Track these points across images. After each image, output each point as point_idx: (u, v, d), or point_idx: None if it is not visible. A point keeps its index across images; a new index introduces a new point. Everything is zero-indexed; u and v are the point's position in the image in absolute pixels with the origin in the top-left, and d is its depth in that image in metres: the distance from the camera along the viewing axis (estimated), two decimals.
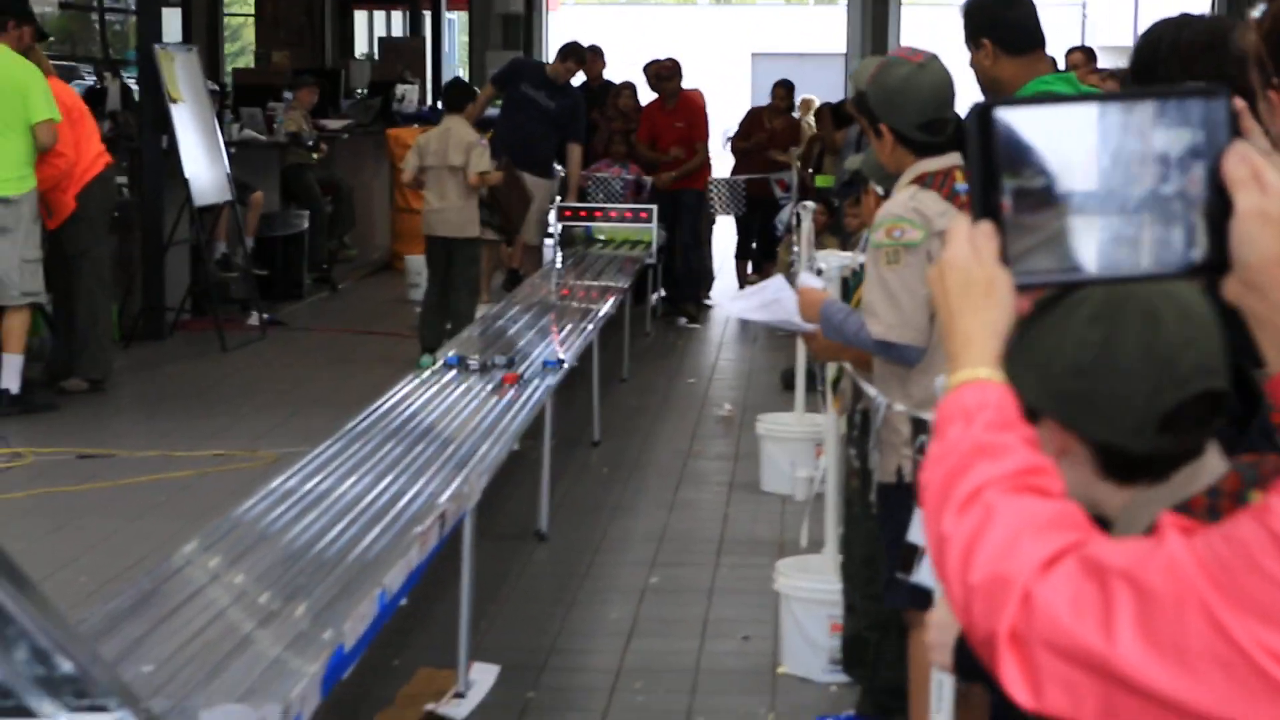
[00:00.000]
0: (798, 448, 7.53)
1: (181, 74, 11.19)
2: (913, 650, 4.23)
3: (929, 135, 4.09)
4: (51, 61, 9.24)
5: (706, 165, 12.93)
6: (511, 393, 6.37)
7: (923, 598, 4.03)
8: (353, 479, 4.90)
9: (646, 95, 13.25)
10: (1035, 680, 1.33)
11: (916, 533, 3.90)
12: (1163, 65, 3.61)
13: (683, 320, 12.68)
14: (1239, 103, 1.54)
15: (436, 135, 10.39)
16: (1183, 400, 1.82)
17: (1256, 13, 2.03)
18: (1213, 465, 1.86)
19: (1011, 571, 1.35)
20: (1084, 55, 12.81)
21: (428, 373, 6.74)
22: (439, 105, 19.91)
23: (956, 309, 1.53)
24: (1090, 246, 1.47)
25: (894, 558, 4.23)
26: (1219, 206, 1.47)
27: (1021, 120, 1.47)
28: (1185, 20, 3.71)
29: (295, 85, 14.47)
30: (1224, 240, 1.48)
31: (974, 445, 1.45)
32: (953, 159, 4.09)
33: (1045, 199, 1.47)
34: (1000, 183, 1.47)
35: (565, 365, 7.09)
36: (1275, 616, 1.23)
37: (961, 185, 4.01)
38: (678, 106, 12.71)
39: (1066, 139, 1.47)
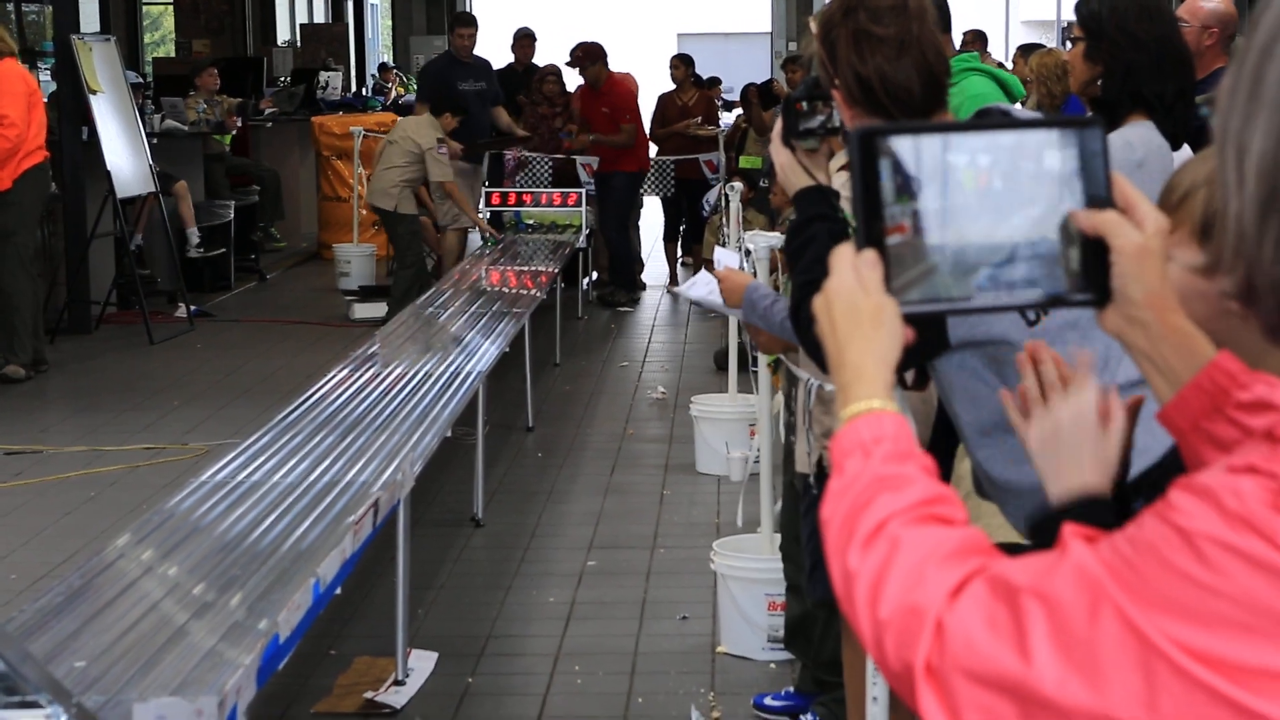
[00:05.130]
0: (732, 428, 7.55)
1: (100, 64, 11.09)
2: (849, 630, 4.26)
3: None
4: None
5: (640, 149, 12.85)
6: (444, 380, 6.37)
7: None
8: (285, 469, 4.88)
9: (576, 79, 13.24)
10: (954, 710, 1.29)
11: None
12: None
13: (621, 305, 12.69)
14: None
15: (411, 119, 11.35)
16: None
17: None
18: None
19: (921, 602, 1.32)
20: (976, 36, 13.14)
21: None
22: (364, 92, 19.86)
23: (845, 339, 1.50)
24: (972, 276, 1.46)
25: (814, 549, 4.25)
26: (1097, 238, 1.47)
27: (904, 147, 1.46)
28: None
29: (194, 72, 14.39)
30: (1104, 272, 1.49)
31: (874, 478, 1.42)
32: None
33: (929, 223, 1.46)
34: (883, 211, 1.46)
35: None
36: (1188, 612, 1.21)
37: None
38: (604, 91, 12.68)
39: (944, 165, 1.46)
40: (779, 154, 2.95)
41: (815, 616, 4.77)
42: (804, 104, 2.89)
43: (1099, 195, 1.47)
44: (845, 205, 3.88)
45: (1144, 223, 1.49)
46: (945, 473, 3.06)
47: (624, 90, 12.68)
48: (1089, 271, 1.48)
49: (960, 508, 1.42)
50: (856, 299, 1.48)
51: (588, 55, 12.56)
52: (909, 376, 3.01)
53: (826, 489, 1.46)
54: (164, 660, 3.27)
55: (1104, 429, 1.71)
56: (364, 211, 14.13)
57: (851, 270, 1.49)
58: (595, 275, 12.98)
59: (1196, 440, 1.49)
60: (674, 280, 13.43)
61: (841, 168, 4.08)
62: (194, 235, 12.21)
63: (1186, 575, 1.22)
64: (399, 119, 11.48)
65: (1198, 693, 1.21)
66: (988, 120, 2.15)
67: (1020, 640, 1.27)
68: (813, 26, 2.93)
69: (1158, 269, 1.50)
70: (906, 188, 1.46)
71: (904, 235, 1.46)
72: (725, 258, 5.35)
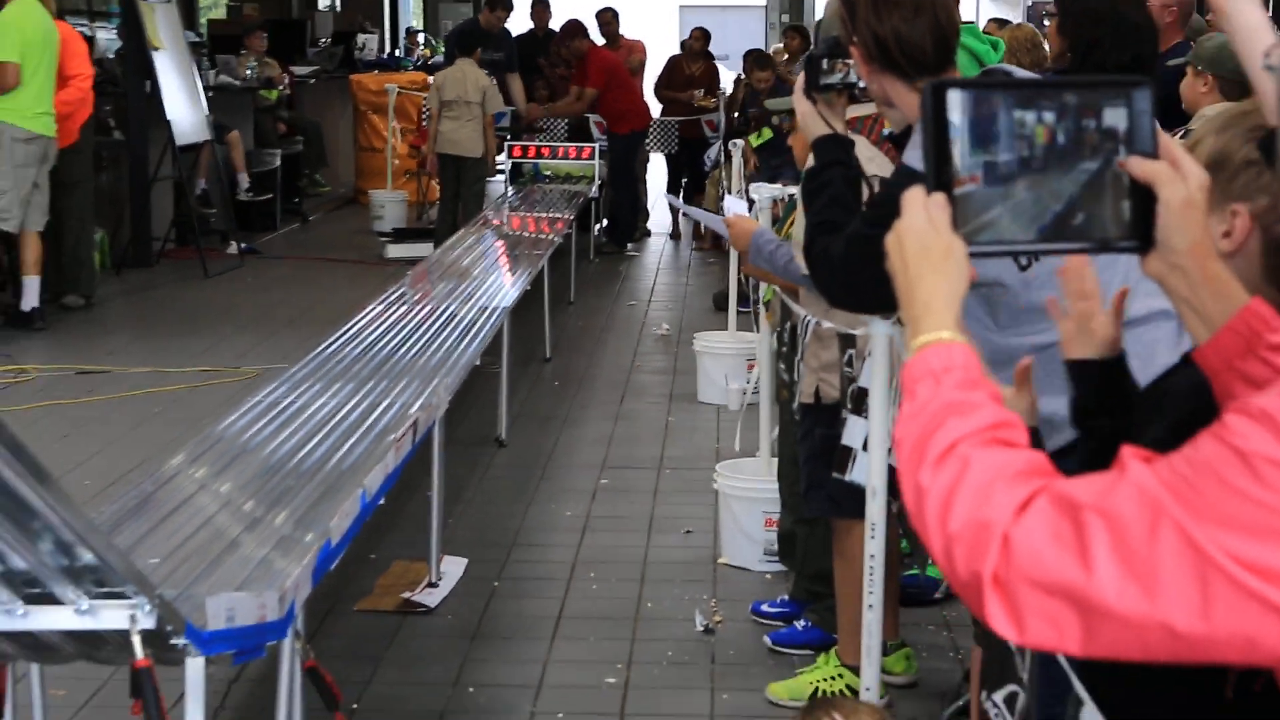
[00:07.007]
0: (731, 362, 7.53)
1: (162, 24, 11.04)
2: (840, 545, 4.23)
3: None
4: None
5: (630, 114, 12.68)
6: (472, 315, 6.33)
7: (844, 505, 4.03)
8: (329, 393, 4.85)
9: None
10: (1019, 616, 1.29)
11: (850, 437, 3.90)
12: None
13: (629, 246, 12.66)
14: None
15: (453, 74, 11.02)
16: None
17: None
18: None
19: (990, 517, 1.31)
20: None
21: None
22: (397, 53, 19.72)
23: (915, 275, 1.48)
24: (1031, 221, 1.45)
25: (811, 471, 4.23)
26: (1143, 190, 1.47)
27: (974, 101, 1.45)
28: None
29: (245, 33, 14.31)
30: (1149, 220, 1.47)
31: (945, 404, 1.41)
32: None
33: (996, 175, 1.46)
34: (952, 158, 1.45)
35: None
36: (1245, 526, 1.21)
37: (890, 130, 3.96)
38: (586, 62, 12.56)
39: (1010, 120, 1.45)
40: (800, 103, 2.94)
41: (796, 533, 4.76)
42: (825, 61, 2.88)
43: (1146, 151, 1.46)
44: (859, 155, 3.86)
45: (1188, 177, 1.47)
46: None
47: (596, 59, 12.54)
48: (1135, 221, 1.47)
49: (1023, 433, 1.40)
50: (928, 238, 1.46)
51: (565, 34, 12.56)
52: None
53: (900, 412, 1.45)
54: (223, 564, 3.25)
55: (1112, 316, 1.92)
56: (396, 161, 14.07)
57: (923, 210, 1.47)
58: (605, 222, 12.92)
59: (1230, 378, 1.49)
60: (676, 229, 13.44)
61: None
62: (244, 180, 12.21)
63: (1243, 493, 1.21)
64: (442, 73, 11.32)
65: (1250, 601, 1.21)
66: (1042, 78, 2.12)
67: (1083, 552, 1.26)
68: None
69: (1200, 221, 1.48)
70: (974, 139, 1.45)
71: (973, 185, 1.45)
72: (733, 205, 5.31)
